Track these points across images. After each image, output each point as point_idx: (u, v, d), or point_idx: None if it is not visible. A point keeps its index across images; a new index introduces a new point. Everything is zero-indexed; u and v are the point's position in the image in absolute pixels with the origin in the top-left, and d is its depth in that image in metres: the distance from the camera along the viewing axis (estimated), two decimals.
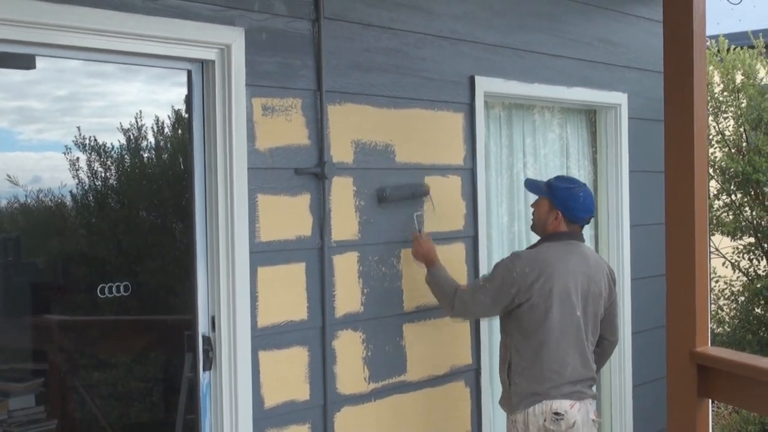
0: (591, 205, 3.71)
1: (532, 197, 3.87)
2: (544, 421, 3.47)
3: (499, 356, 3.72)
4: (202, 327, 3.29)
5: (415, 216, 3.81)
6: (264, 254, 3.35)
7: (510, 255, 3.68)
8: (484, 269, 4.08)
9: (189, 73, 3.27)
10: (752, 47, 6.67)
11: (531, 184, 3.85)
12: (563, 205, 3.64)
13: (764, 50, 6.65)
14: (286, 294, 3.43)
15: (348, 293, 3.64)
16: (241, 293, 3.26)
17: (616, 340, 3.90)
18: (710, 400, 3.22)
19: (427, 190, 3.89)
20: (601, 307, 3.67)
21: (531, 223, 3.83)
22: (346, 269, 3.64)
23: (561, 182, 3.75)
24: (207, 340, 3.28)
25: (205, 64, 3.26)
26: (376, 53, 3.75)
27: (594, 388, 3.66)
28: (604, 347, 3.79)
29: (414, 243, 3.75)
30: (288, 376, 3.44)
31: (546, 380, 3.49)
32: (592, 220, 5.00)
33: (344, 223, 3.62)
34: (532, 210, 3.81)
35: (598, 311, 3.65)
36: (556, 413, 3.47)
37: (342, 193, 3.62)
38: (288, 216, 3.44)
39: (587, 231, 4.96)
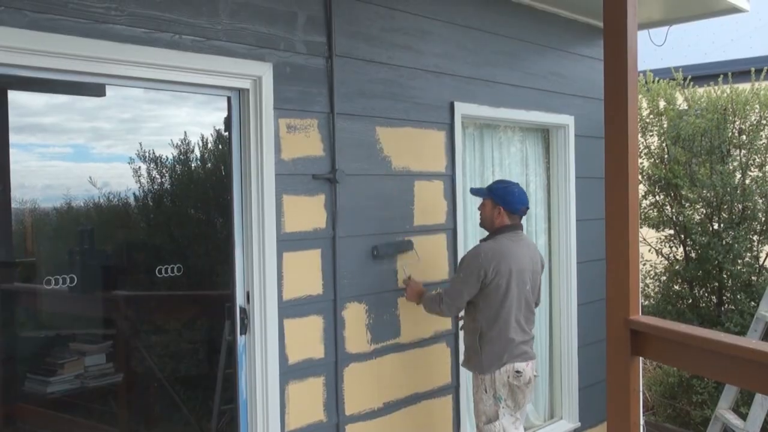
0: (525, 199, 3.65)
1: None
2: (508, 377, 3.48)
3: (466, 327, 3.64)
4: (239, 300, 3.28)
5: (402, 268, 3.78)
6: (288, 242, 3.34)
7: (473, 248, 3.61)
8: (461, 253, 4.06)
9: (229, 99, 3.25)
10: (672, 80, 6.68)
11: (474, 190, 3.80)
12: (503, 200, 3.59)
13: (682, 82, 6.64)
14: (305, 274, 3.42)
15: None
16: (270, 273, 3.25)
17: (539, 303, 3.86)
18: (641, 358, 3.22)
19: (412, 245, 3.83)
20: (539, 281, 3.69)
21: (479, 221, 3.75)
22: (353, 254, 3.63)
23: (498, 183, 3.71)
24: (243, 311, 3.28)
25: (241, 92, 3.25)
26: (377, 83, 3.74)
27: (534, 347, 3.66)
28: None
29: (407, 289, 3.73)
30: (307, 338, 3.44)
31: (508, 346, 3.49)
32: (546, 216, 5.03)
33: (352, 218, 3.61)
34: (479, 212, 3.74)
35: (538, 284, 3.68)
36: (518, 371, 3.49)
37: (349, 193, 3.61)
38: (307, 212, 3.43)
39: (542, 224, 4.98)
